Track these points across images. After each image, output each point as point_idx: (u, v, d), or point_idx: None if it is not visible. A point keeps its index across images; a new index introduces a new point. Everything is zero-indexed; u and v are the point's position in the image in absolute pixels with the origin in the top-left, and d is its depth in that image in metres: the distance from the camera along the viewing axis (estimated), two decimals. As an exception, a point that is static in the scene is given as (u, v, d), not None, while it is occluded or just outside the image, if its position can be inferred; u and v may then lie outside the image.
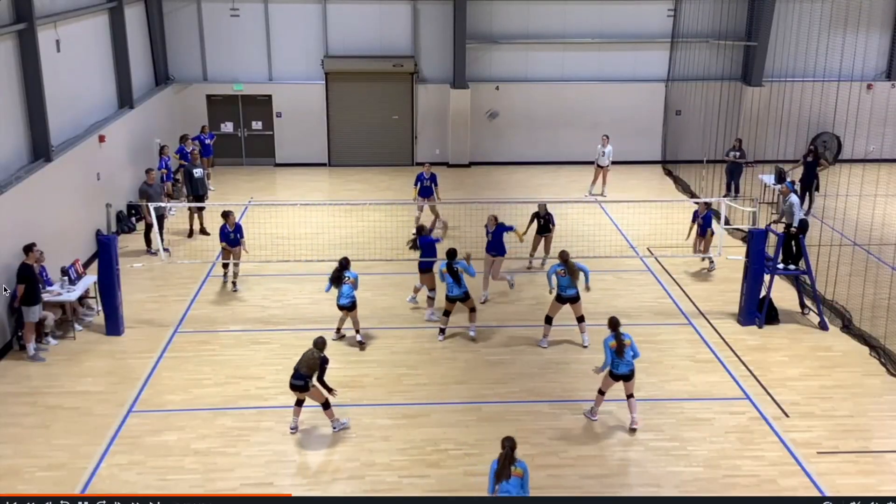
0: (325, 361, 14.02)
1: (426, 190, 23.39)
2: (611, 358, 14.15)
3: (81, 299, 18.30)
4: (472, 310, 17.69)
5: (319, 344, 14.15)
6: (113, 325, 17.66)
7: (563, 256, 16.83)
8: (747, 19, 30.53)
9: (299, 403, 14.34)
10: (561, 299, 16.99)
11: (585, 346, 17.20)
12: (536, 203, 20.99)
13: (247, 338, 17.67)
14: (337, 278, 17.13)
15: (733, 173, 26.81)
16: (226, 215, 19.92)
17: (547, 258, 21.05)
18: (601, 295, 19.25)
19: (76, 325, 17.83)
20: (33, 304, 16.55)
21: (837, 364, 16.81)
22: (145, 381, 15.94)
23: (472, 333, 17.69)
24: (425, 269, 18.60)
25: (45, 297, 17.17)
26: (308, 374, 13.99)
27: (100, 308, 18.19)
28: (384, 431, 14.41)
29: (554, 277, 16.96)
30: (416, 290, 19.21)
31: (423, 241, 18.64)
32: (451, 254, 17.31)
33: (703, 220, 20.81)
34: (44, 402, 15.20)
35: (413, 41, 30.14)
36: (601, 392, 14.67)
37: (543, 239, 21.14)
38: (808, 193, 24.97)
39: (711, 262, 21.15)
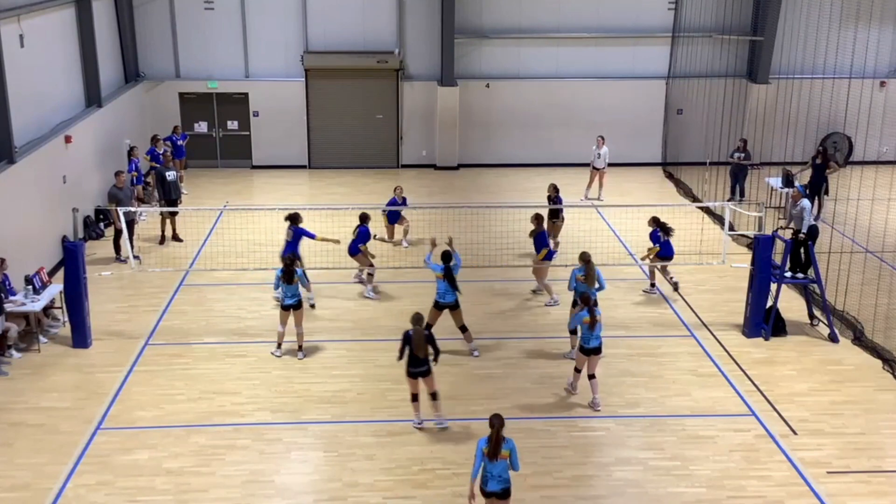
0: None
1: (394, 215, 23.27)
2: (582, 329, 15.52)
3: (46, 310, 18.31)
4: (464, 328, 17.44)
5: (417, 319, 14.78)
6: (80, 337, 17.66)
7: (585, 257, 17.11)
8: (753, 13, 30.75)
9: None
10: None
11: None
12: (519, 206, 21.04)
13: (221, 350, 17.70)
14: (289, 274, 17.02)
15: (738, 176, 26.99)
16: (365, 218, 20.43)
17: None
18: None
19: (41, 338, 17.80)
20: (-6, 316, 16.57)
21: (848, 378, 16.92)
22: (114, 396, 15.95)
23: (475, 354, 17.60)
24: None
25: (8, 307, 17.15)
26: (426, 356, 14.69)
27: (66, 319, 18.20)
28: (368, 450, 14.45)
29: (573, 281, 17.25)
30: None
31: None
32: (447, 256, 17.14)
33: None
34: (6, 418, 15.19)
35: (398, 35, 30.25)
36: (577, 370, 16.01)
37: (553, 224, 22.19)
38: (816, 197, 25.11)
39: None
